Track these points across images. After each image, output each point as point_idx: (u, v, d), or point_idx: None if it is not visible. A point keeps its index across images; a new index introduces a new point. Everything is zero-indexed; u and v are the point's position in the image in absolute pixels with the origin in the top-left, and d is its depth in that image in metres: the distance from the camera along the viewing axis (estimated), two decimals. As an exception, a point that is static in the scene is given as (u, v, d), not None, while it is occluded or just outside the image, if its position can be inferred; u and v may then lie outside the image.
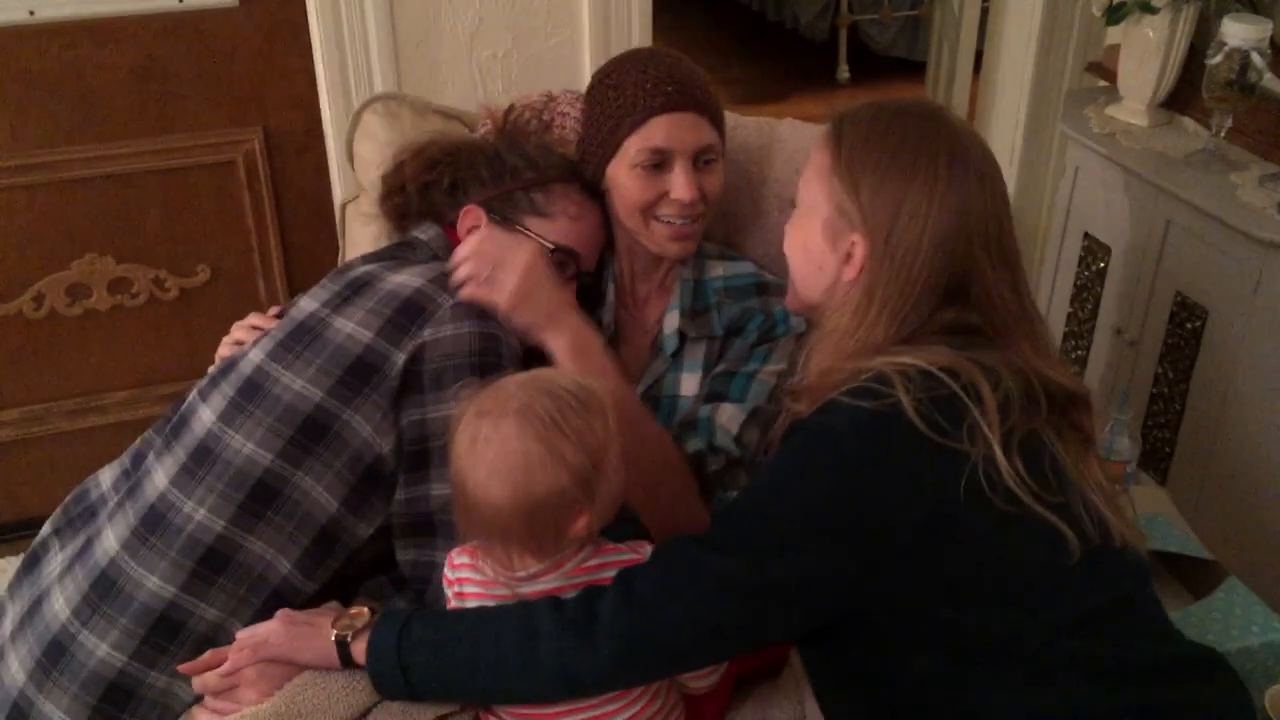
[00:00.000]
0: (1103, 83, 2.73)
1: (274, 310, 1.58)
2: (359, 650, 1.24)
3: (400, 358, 1.35)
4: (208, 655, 1.30)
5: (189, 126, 2.30)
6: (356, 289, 1.41)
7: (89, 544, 1.38)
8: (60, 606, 1.34)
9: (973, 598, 1.13)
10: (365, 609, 1.27)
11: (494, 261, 1.39)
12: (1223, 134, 2.26)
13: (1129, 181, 2.37)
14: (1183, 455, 2.34)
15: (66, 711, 1.31)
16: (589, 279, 1.59)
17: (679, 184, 1.49)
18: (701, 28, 6.05)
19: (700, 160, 1.52)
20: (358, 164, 1.78)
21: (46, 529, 1.48)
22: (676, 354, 1.58)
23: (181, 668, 1.30)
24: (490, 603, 1.25)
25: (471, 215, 1.54)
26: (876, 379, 1.14)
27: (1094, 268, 2.53)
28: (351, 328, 1.37)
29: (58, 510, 1.50)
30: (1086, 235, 2.54)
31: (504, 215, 1.53)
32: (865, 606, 1.15)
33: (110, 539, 1.36)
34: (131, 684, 1.32)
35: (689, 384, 1.57)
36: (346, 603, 1.40)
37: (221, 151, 2.33)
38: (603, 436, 1.19)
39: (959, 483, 1.10)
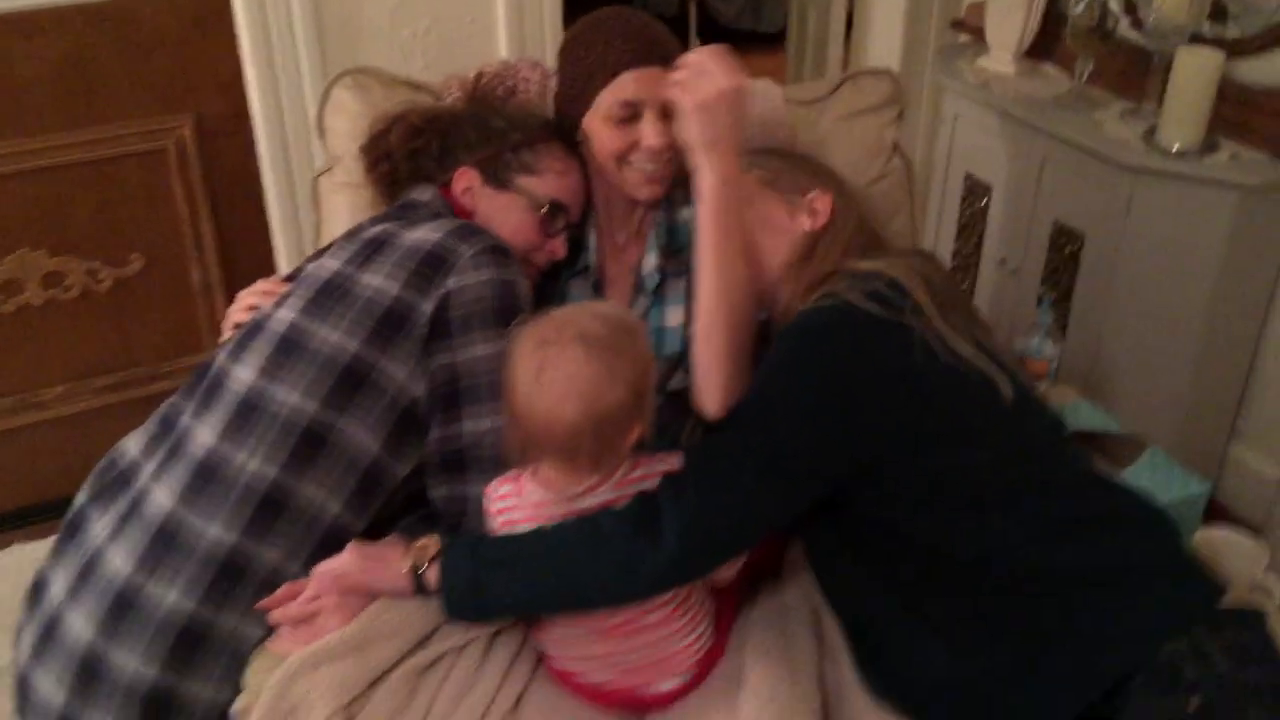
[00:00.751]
0: (966, 38, 2.99)
1: (279, 277, 1.65)
2: (432, 577, 1.35)
3: (428, 307, 1.46)
4: (284, 589, 1.39)
5: (118, 116, 2.31)
6: (376, 247, 1.51)
7: (136, 505, 1.44)
8: (121, 563, 1.40)
9: (938, 442, 1.34)
10: (432, 540, 1.38)
11: (706, 72, 1.42)
12: (1084, 77, 2.53)
13: (1005, 124, 2.62)
14: (1067, 371, 2.60)
15: (141, 659, 1.37)
16: (575, 230, 1.72)
17: (649, 133, 1.62)
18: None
19: (668, 111, 1.62)
20: (329, 137, 1.85)
21: (81, 499, 1.53)
22: (659, 289, 1.72)
23: (261, 603, 1.38)
24: (542, 524, 1.37)
25: (465, 176, 1.64)
26: (829, 292, 1.39)
27: (976, 206, 2.79)
28: (379, 282, 1.47)
29: (88, 481, 1.55)
30: (968, 176, 2.79)
31: (495, 175, 1.65)
32: (861, 465, 1.34)
33: (162, 496, 1.42)
34: (202, 628, 1.39)
35: (674, 316, 1.71)
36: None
37: (152, 139, 2.35)
38: (647, 356, 1.34)
39: (912, 349, 1.32)
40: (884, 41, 3.18)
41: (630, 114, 1.62)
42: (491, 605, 1.35)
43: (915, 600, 1.35)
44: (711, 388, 1.42)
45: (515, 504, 1.39)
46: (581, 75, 1.64)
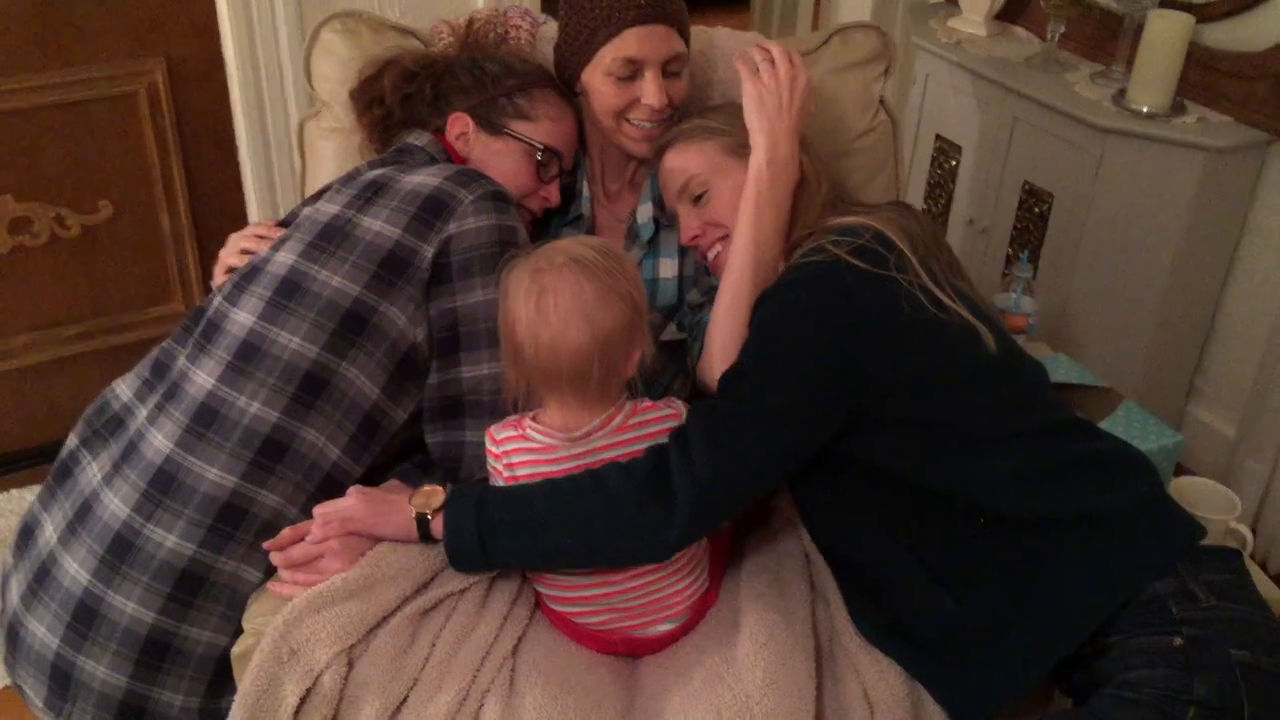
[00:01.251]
0: (935, -1, 3.02)
1: (271, 221, 1.64)
2: (437, 528, 1.36)
3: (429, 251, 1.45)
4: (288, 532, 1.38)
5: (89, 58, 2.26)
6: (376, 190, 1.50)
7: (132, 447, 1.43)
8: (118, 506, 1.39)
9: (928, 389, 1.37)
10: (439, 487, 1.38)
11: (774, 59, 1.57)
12: (1055, 39, 2.57)
13: (977, 85, 2.66)
14: (1037, 329, 2.66)
15: (139, 601, 1.36)
16: (567, 177, 1.72)
17: (650, 91, 1.62)
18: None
19: (668, 69, 1.64)
20: (317, 80, 1.82)
21: (72, 441, 1.52)
22: (652, 240, 1.73)
23: (266, 544, 1.38)
24: (545, 470, 1.38)
25: (460, 121, 1.64)
26: (815, 248, 1.40)
27: (946, 166, 2.82)
28: (379, 225, 1.46)
29: (78, 424, 1.53)
30: (938, 137, 2.82)
31: (489, 120, 1.64)
32: (858, 411, 1.36)
33: (160, 439, 1.41)
34: (203, 570, 1.38)
35: (667, 268, 1.72)
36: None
37: (124, 83, 2.30)
38: (637, 275, 1.37)
39: (900, 301, 1.35)
40: (854, 1, 3.19)
41: (632, 72, 1.61)
42: (496, 562, 1.37)
43: (909, 543, 1.38)
44: (731, 359, 1.43)
45: (518, 448, 1.40)
46: (585, 28, 1.62)
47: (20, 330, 2.44)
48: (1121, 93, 2.41)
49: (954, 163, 2.79)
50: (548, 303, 1.31)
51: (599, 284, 1.32)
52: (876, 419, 1.37)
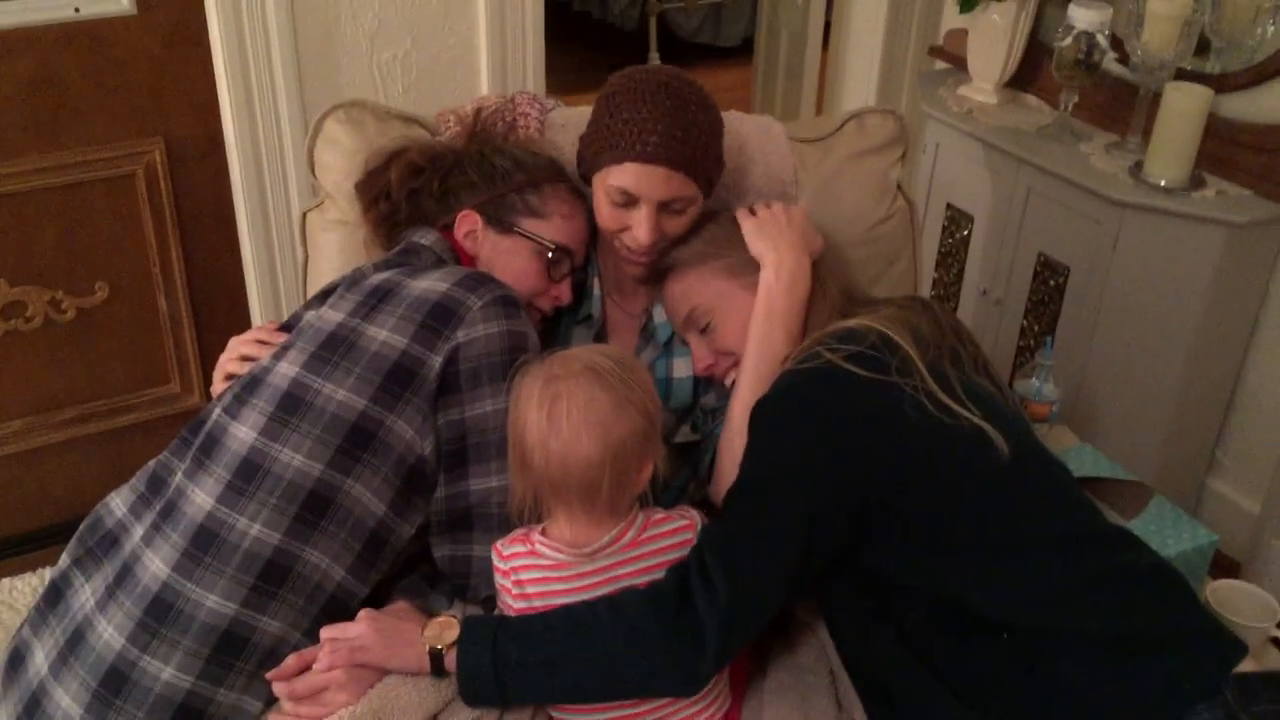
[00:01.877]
0: (943, 65, 2.98)
1: (271, 325, 1.58)
2: (451, 662, 1.29)
3: (437, 360, 1.40)
4: (292, 660, 1.32)
5: (86, 140, 2.21)
6: (381, 297, 1.44)
7: (127, 570, 1.36)
8: (111, 635, 1.33)
9: (934, 495, 1.31)
10: (453, 619, 1.32)
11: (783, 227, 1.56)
12: (1069, 109, 2.53)
13: (989, 154, 2.62)
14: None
15: (136, 740, 1.30)
16: (578, 274, 1.67)
17: (640, 227, 1.56)
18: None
19: (670, 207, 1.57)
20: (320, 171, 1.77)
21: (64, 561, 1.45)
22: (668, 341, 1.67)
23: (270, 674, 1.31)
24: (557, 587, 1.32)
25: (469, 220, 1.59)
26: (811, 354, 1.37)
27: (957, 235, 2.78)
28: (385, 335, 1.41)
29: (72, 542, 1.46)
30: (949, 206, 2.78)
31: (499, 218, 1.59)
32: (864, 522, 1.31)
33: (156, 563, 1.35)
34: (201, 704, 1.32)
35: (681, 367, 1.66)
36: (382, 601, 1.45)
37: (120, 165, 2.25)
38: (652, 387, 1.33)
39: (902, 406, 1.30)
40: (861, 66, 3.16)
41: (627, 200, 1.55)
42: (514, 701, 1.32)
43: (928, 656, 1.32)
44: None
45: (527, 564, 1.34)
46: (599, 139, 1.56)
47: (14, 415, 2.38)
48: (1138, 165, 2.36)
49: (965, 232, 2.75)
50: (560, 410, 1.26)
51: (613, 394, 1.27)
52: (885, 527, 1.31)
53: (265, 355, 1.48)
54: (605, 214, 1.58)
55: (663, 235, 1.57)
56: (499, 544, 1.38)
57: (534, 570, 1.34)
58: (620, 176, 1.53)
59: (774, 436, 1.33)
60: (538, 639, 1.28)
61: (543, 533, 1.35)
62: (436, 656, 1.29)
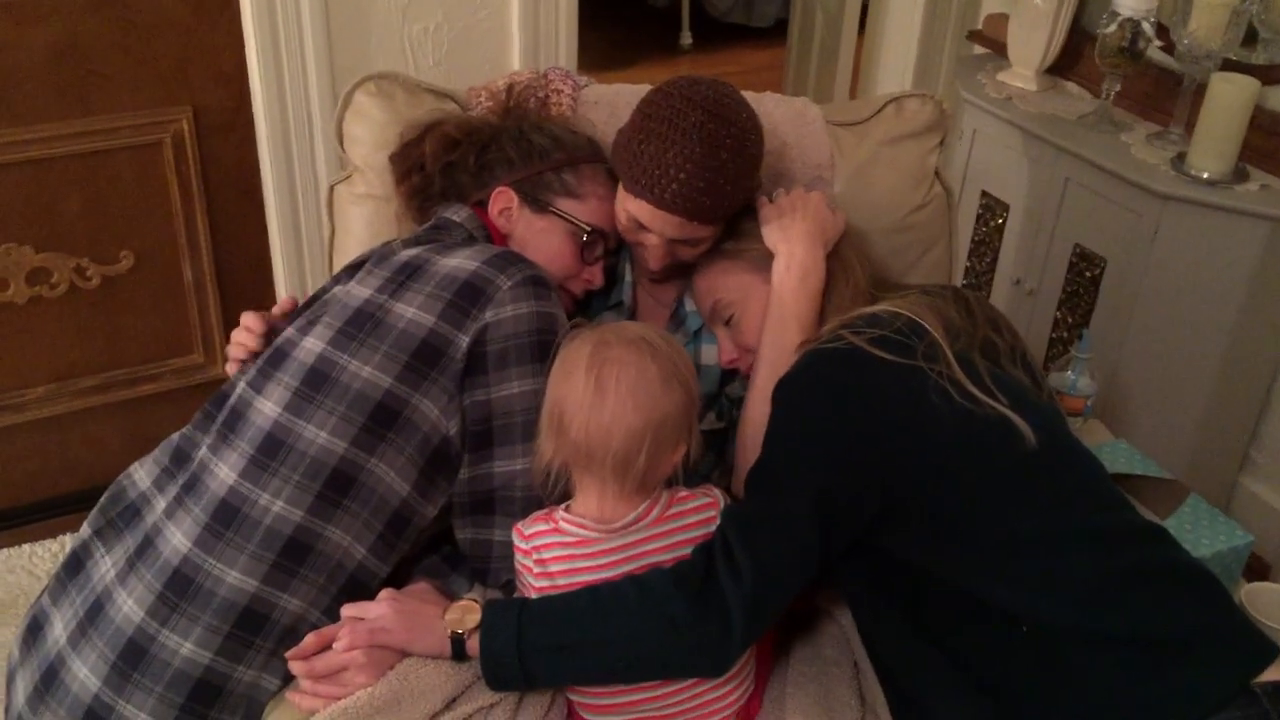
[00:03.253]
0: (981, 50, 2.93)
1: (289, 300, 1.57)
2: (473, 646, 1.28)
3: (464, 340, 1.37)
4: (311, 639, 1.30)
5: (113, 107, 2.19)
6: (410, 274, 1.42)
7: (148, 542, 1.35)
8: (131, 608, 1.31)
9: (957, 486, 1.28)
10: (474, 602, 1.30)
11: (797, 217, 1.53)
12: (1110, 97, 2.48)
13: (1027, 142, 2.57)
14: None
15: (152, 713, 1.29)
16: (610, 259, 1.64)
17: (650, 254, 1.54)
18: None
19: (684, 241, 1.52)
20: (349, 143, 1.74)
21: (85, 531, 1.44)
22: (698, 330, 1.64)
23: (289, 653, 1.30)
24: (581, 564, 1.30)
25: (503, 197, 1.56)
26: (832, 336, 1.35)
27: (992, 224, 2.73)
28: (412, 313, 1.38)
29: (93, 512, 1.45)
30: (984, 194, 2.73)
31: (535, 197, 1.56)
32: (886, 505, 1.28)
33: (178, 536, 1.33)
34: (219, 680, 1.30)
35: (709, 354, 1.63)
36: (402, 581, 1.43)
37: (148, 133, 2.23)
38: (693, 367, 1.31)
39: (926, 391, 1.27)
40: (897, 50, 3.11)
41: (640, 227, 1.52)
42: (539, 684, 1.31)
43: (948, 648, 1.30)
44: None
45: (550, 543, 1.32)
46: (625, 155, 1.49)
47: (37, 381, 2.37)
48: (1181, 156, 2.31)
49: (1000, 220, 2.70)
50: (609, 376, 1.25)
51: (664, 368, 1.26)
52: (907, 512, 1.28)
53: (291, 328, 1.46)
54: (621, 223, 1.55)
55: (674, 260, 1.55)
56: (520, 525, 1.36)
57: (558, 549, 1.32)
58: (636, 208, 1.49)
59: (794, 416, 1.31)
60: (562, 622, 1.26)
61: (566, 509, 1.33)
62: (458, 641, 1.27)
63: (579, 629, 1.25)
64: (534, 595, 1.33)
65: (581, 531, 1.31)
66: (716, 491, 1.36)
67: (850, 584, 1.42)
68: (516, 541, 1.36)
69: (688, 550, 1.29)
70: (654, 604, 1.24)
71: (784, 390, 1.33)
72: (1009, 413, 1.29)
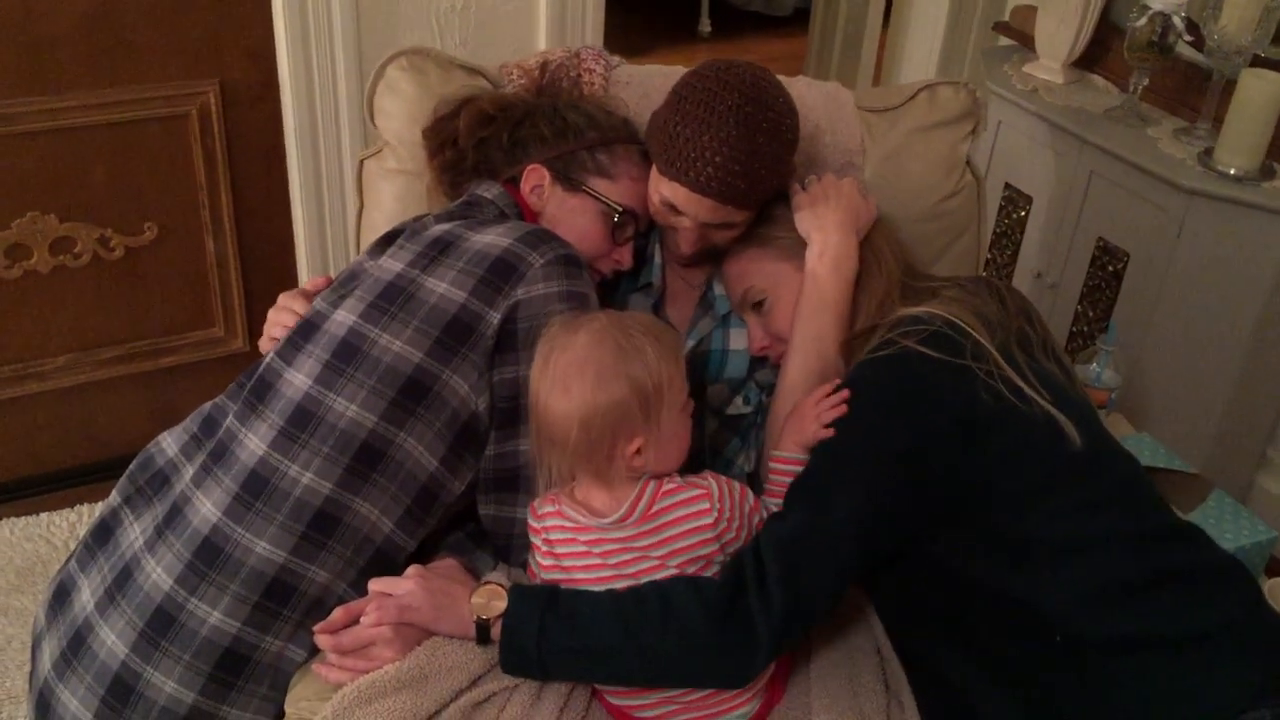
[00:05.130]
0: (1007, 41, 2.92)
1: (323, 278, 1.57)
2: (497, 633, 1.28)
3: (495, 317, 1.37)
4: (339, 613, 1.31)
5: (141, 78, 2.19)
6: (442, 249, 1.42)
7: (177, 511, 1.35)
8: (160, 576, 1.32)
9: (1003, 488, 1.28)
10: (501, 587, 1.30)
11: (831, 204, 1.51)
12: (1138, 91, 2.47)
13: (1053, 134, 2.56)
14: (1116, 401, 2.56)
15: (179, 681, 1.29)
16: (640, 239, 1.64)
17: (682, 237, 1.53)
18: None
19: (715, 224, 1.51)
20: (380, 118, 1.74)
21: (114, 499, 1.44)
22: (726, 314, 1.64)
23: (317, 627, 1.30)
24: (579, 549, 1.31)
25: (536, 174, 1.55)
26: (883, 343, 1.33)
27: (1015, 216, 2.72)
28: (444, 288, 1.38)
29: (122, 480, 1.46)
30: (1008, 185, 2.72)
31: (567, 175, 1.56)
32: (929, 513, 1.28)
33: (207, 506, 1.33)
34: (246, 650, 1.31)
35: (737, 339, 1.63)
36: (427, 556, 1.44)
37: (175, 105, 2.23)
38: (670, 369, 1.28)
39: (977, 390, 1.27)
40: (923, 40, 3.10)
41: (673, 210, 1.51)
42: (556, 679, 1.32)
43: (976, 648, 1.30)
44: None
45: (557, 525, 1.33)
46: (660, 138, 1.48)
47: (59, 351, 2.37)
48: (1208, 152, 2.30)
49: (1023, 213, 2.69)
50: (552, 360, 1.27)
51: (605, 358, 1.26)
52: (954, 519, 1.28)
53: (322, 301, 1.46)
54: (654, 206, 1.55)
55: (707, 245, 1.54)
56: (534, 503, 1.37)
57: (562, 531, 1.33)
58: (670, 191, 1.48)
59: (845, 432, 1.29)
60: (585, 626, 1.25)
61: (570, 495, 1.33)
62: (483, 626, 1.28)
63: (600, 635, 1.25)
64: (541, 574, 1.34)
65: (578, 519, 1.31)
66: (710, 482, 1.32)
67: (882, 582, 1.42)
68: (530, 521, 1.37)
69: (682, 548, 1.28)
70: (678, 622, 1.23)
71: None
72: (1054, 411, 1.29)
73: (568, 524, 1.32)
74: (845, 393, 1.31)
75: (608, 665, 1.27)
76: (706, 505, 1.30)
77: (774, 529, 1.28)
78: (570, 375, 1.25)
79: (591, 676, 1.32)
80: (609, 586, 1.29)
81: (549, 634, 1.25)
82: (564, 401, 1.25)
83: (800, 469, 1.32)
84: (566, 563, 1.32)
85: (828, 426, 1.31)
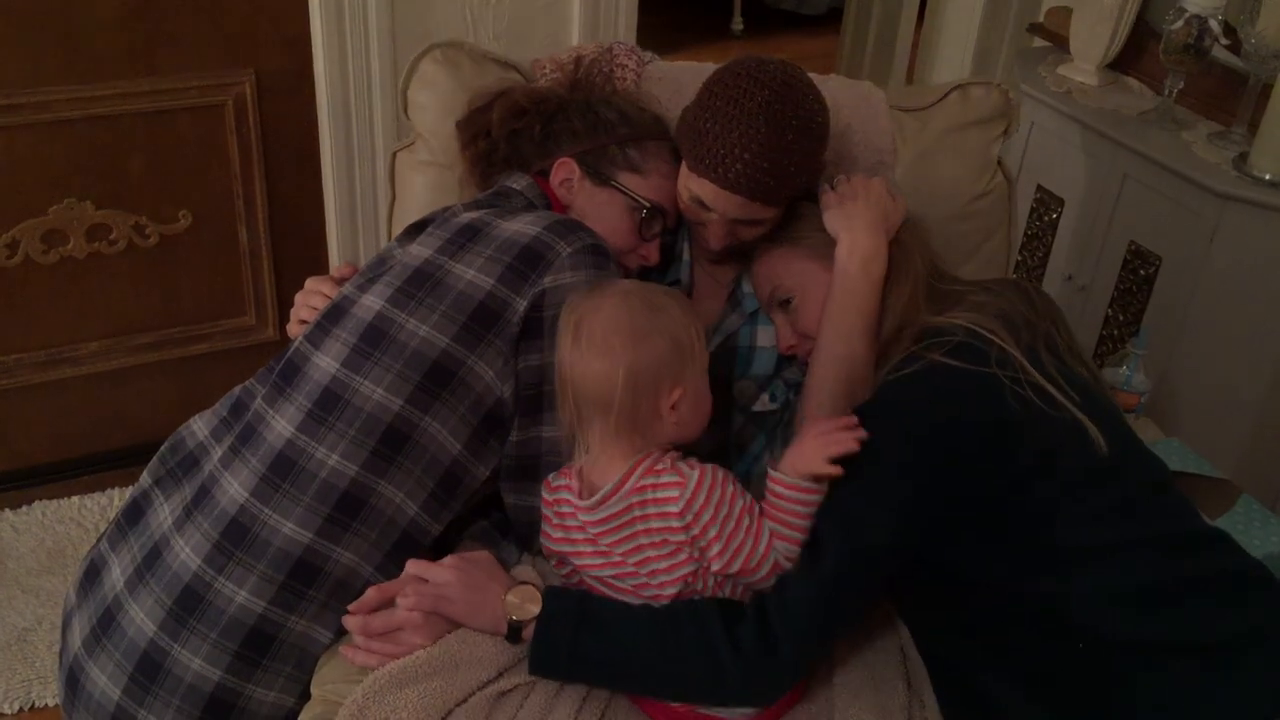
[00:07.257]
0: (1041, 42, 2.91)
1: (349, 265, 1.59)
2: (529, 634, 1.29)
3: (522, 304, 1.38)
4: (372, 593, 1.32)
5: (179, 67, 2.21)
6: (470, 236, 1.43)
7: (206, 492, 1.37)
8: (188, 555, 1.33)
9: (1030, 493, 1.27)
10: (536, 589, 1.30)
11: (860, 204, 1.50)
12: (1173, 95, 2.45)
13: (1087, 137, 2.54)
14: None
15: (205, 659, 1.31)
16: (668, 236, 1.64)
17: (710, 233, 1.53)
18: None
19: (743, 220, 1.52)
20: (414, 111, 1.76)
21: (145, 480, 1.46)
22: (754, 311, 1.64)
23: (351, 606, 1.32)
24: (576, 523, 1.33)
25: (565, 167, 1.56)
26: (908, 359, 1.33)
27: (1046, 218, 2.71)
28: (472, 274, 1.39)
29: (153, 461, 1.48)
30: (1039, 187, 2.71)
31: (597, 169, 1.56)
32: (955, 531, 1.28)
33: (235, 487, 1.35)
34: (272, 629, 1.33)
35: (765, 336, 1.63)
36: (451, 546, 1.45)
37: (212, 94, 2.25)
38: (695, 324, 1.32)
39: (1004, 396, 1.27)
40: (956, 41, 3.09)
41: (701, 205, 1.51)
42: (581, 683, 1.34)
43: (1000, 652, 1.30)
44: None
45: (566, 498, 1.36)
46: (690, 134, 1.48)
47: (93, 336, 2.40)
48: (1243, 157, 2.28)
49: (1055, 215, 2.68)
50: (585, 329, 1.28)
51: (638, 318, 1.28)
52: (976, 523, 1.28)
53: (350, 286, 1.47)
54: (683, 202, 1.55)
55: (735, 241, 1.54)
56: (549, 477, 1.40)
57: (569, 505, 1.35)
58: (699, 186, 1.49)
59: (874, 459, 1.26)
60: (617, 640, 1.27)
61: (578, 472, 1.35)
62: (515, 628, 1.29)
63: (631, 651, 1.27)
64: (550, 545, 1.38)
65: (576, 500, 1.33)
66: (693, 472, 1.28)
67: (904, 586, 1.41)
68: (544, 494, 1.39)
69: (651, 528, 1.28)
70: (707, 645, 1.24)
71: (870, 422, 1.29)
72: (1082, 416, 1.28)
73: (572, 499, 1.34)
74: (854, 429, 1.26)
75: (635, 680, 1.31)
76: (676, 494, 1.27)
77: (810, 564, 1.27)
78: (609, 334, 1.27)
79: (615, 686, 1.34)
80: (603, 563, 1.32)
81: (581, 645, 1.26)
82: (606, 361, 1.26)
83: (796, 494, 1.27)
84: (574, 535, 1.34)
85: (838, 461, 1.25)
